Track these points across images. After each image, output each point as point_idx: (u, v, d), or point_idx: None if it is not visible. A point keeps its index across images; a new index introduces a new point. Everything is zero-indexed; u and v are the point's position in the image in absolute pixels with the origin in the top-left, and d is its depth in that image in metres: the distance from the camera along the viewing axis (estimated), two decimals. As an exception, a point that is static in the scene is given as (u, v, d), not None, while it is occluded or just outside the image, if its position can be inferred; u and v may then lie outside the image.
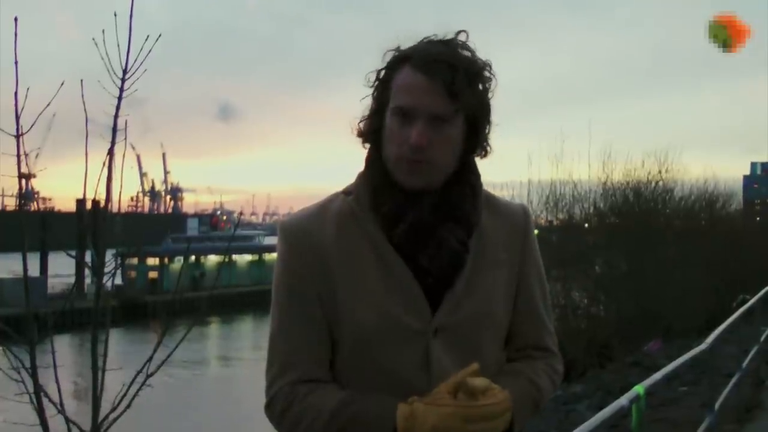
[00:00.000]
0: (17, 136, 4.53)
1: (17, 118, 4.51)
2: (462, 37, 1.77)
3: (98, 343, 5.05)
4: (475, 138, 1.79)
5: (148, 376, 4.81)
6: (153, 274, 56.52)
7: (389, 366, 1.73)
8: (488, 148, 1.84)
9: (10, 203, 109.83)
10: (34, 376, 4.68)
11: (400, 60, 1.75)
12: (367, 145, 1.84)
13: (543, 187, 17.62)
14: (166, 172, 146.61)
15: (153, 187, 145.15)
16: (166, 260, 56.61)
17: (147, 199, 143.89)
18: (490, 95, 1.79)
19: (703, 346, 5.98)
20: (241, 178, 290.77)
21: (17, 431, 5.06)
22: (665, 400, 8.77)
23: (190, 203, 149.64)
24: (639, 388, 3.65)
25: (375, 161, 1.81)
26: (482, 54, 1.77)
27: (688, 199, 23.75)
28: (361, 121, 1.83)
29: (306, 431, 1.71)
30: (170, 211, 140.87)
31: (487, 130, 1.81)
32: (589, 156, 19.30)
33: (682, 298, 17.02)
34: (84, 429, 4.72)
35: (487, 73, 1.77)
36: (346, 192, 1.84)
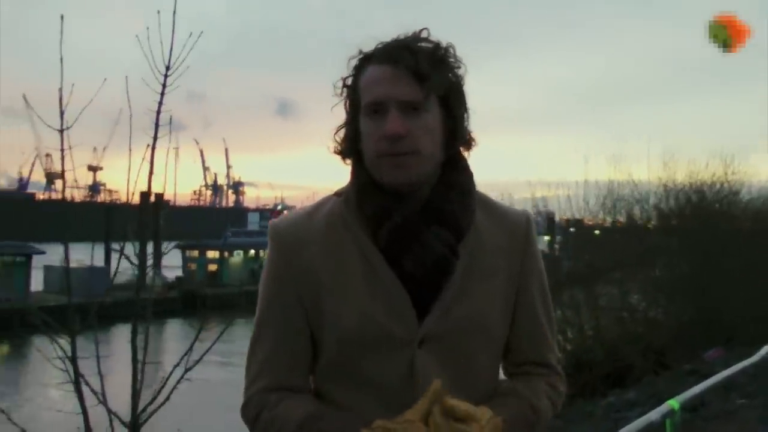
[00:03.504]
0: (61, 131, 4.57)
1: (61, 114, 4.57)
2: (423, 34, 1.70)
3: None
4: (453, 124, 1.71)
5: (187, 369, 4.83)
6: (213, 267, 57.29)
7: (372, 375, 1.66)
8: (471, 138, 1.76)
9: (79, 195, 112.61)
10: (74, 365, 4.73)
11: (364, 61, 1.70)
12: (348, 161, 1.77)
13: (600, 187, 17.27)
14: (228, 167, 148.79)
15: (215, 182, 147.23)
16: (225, 254, 57.31)
17: (209, 193, 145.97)
18: (461, 80, 1.72)
19: (755, 358, 5.75)
20: (302, 174, 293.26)
21: (59, 418, 5.14)
22: (721, 413, 8.48)
23: (251, 198, 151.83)
24: (673, 402, 3.46)
25: (359, 165, 1.74)
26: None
27: (757, 202, 23.08)
28: (336, 132, 1.77)
29: None
30: (232, 205, 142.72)
31: (465, 117, 1.74)
32: (649, 156, 18.91)
33: (748, 304, 16.53)
34: (124, 420, 4.77)
35: (452, 57, 1.70)
36: (338, 194, 1.79)
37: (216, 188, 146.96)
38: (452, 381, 1.63)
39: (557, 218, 20.26)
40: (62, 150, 4.59)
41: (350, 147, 1.75)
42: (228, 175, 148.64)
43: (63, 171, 4.84)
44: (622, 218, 18.07)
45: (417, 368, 1.65)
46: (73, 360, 4.72)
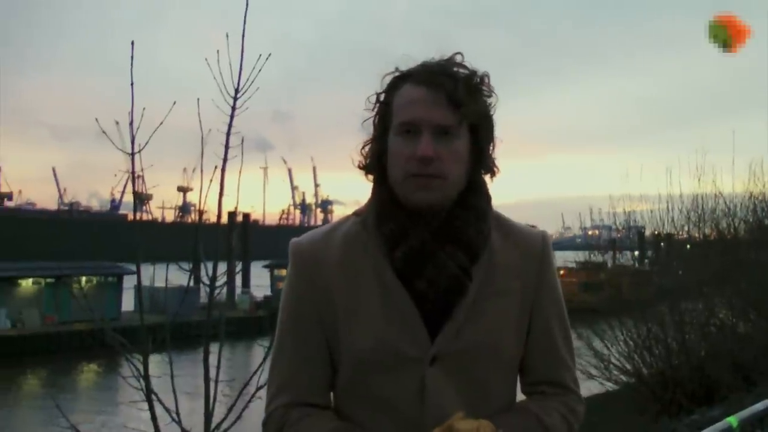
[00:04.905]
0: (132, 154, 4.74)
1: (132, 138, 4.72)
2: (458, 58, 1.74)
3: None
4: (480, 152, 1.75)
5: (258, 388, 4.92)
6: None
7: (384, 393, 1.70)
8: (495, 166, 1.80)
9: (170, 215, 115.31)
10: (147, 383, 4.87)
11: (400, 79, 1.74)
12: (371, 177, 1.81)
13: (683, 200, 16.83)
14: (316, 185, 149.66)
15: (303, 201, 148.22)
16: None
17: (298, 212, 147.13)
18: (491, 110, 1.76)
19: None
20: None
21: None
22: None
23: (339, 216, 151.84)
24: (732, 420, 3.38)
25: (381, 183, 1.78)
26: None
27: None
28: (363, 148, 1.81)
29: None
30: (320, 224, 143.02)
31: (491, 146, 1.77)
32: (734, 168, 18.34)
33: None
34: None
35: (486, 87, 1.74)
36: (357, 213, 1.83)
37: (304, 207, 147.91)
38: (464, 399, 1.67)
39: (647, 233, 19.88)
40: (133, 173, 4.76)
41: (374, 163, 1.79)
42: (316, 194, 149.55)
43: (134, 192, 5.03)
44: (710, 231, 17.58)
45: (428, 386, 1.69)
46: (146, 378, 4.86)
